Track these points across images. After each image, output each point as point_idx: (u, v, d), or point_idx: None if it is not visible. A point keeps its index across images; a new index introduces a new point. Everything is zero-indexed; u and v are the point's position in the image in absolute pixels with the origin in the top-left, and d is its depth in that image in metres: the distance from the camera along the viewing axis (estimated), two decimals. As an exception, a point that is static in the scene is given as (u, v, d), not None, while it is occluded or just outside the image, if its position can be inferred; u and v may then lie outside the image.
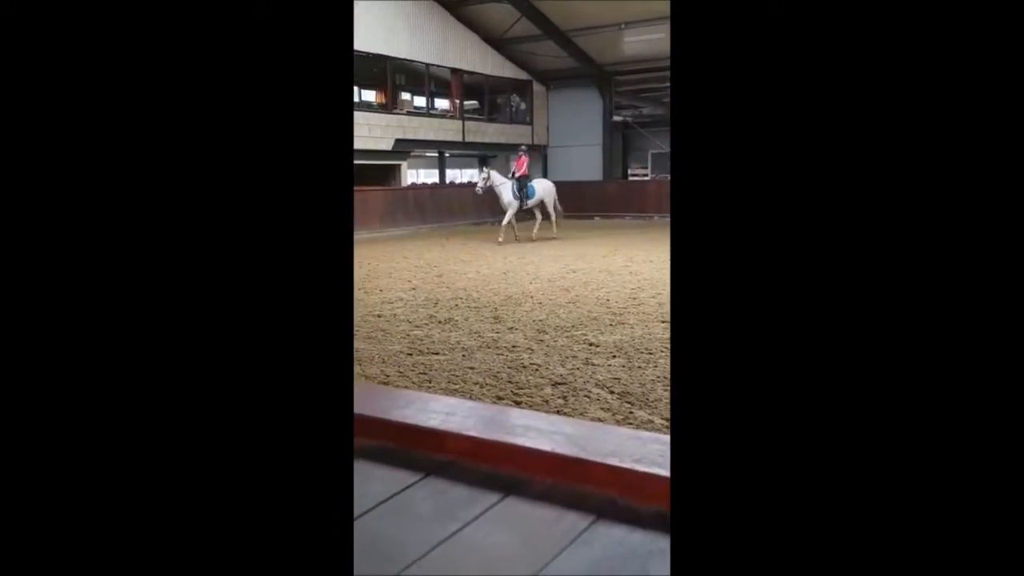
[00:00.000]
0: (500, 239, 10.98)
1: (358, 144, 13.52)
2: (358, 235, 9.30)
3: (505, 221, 11.21)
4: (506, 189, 11.36)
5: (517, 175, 11.57)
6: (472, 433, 0.88)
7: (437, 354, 4.29)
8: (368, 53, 14.13)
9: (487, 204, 15.29)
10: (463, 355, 4.24)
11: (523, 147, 12.43)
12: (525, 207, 11.47)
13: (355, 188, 13.33)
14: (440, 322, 5.20)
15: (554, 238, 11.34)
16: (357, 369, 4.04)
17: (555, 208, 11.82)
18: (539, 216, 11.74)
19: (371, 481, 0.82)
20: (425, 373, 3.90)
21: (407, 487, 0.80)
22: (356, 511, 0.75)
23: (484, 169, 11.45)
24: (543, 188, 11.75)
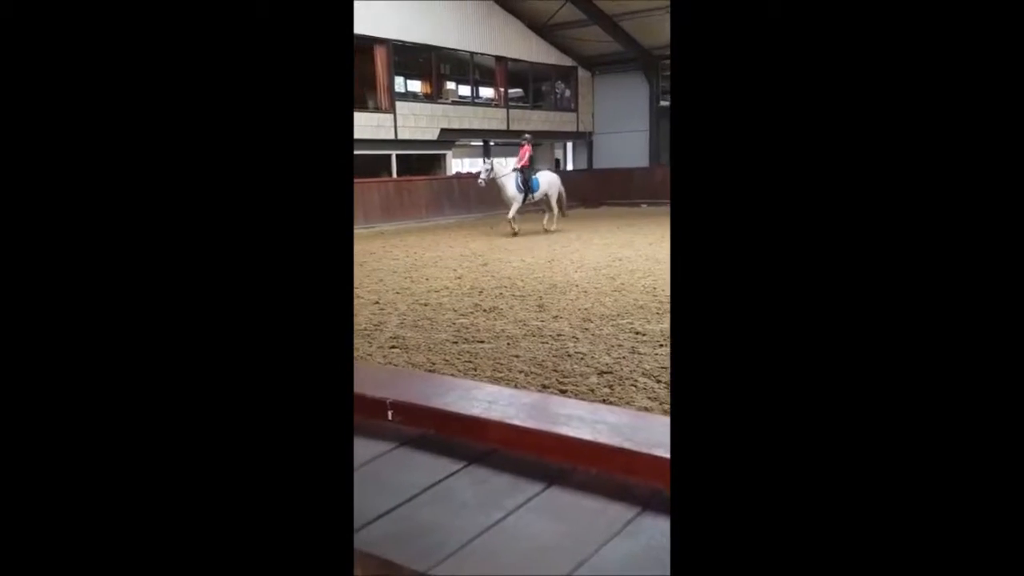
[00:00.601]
0: (514, 228, 10.41)
1: (405, 134, 13.64)
2: (405, 224, 9.39)
3: (511, 215, 10.50)
4: (510, 182, 10.50)
5: (520, 165, 10.68)
6: (515, 422, 0.87)
7: (482, 342, 4.30)
8: (414, 43, 14.20)
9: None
10: (508, 343, 4.24)
11: (527, 135, 11.38)
12: (531, 200, 10.65)
13: (403, 178, 13.47)
14: (485, 310, 5.21)
15: (558, 230, 10.73)
16: (404, 356, 4.08)
17: (560, 202, 11.07)
18: (549, 210, 11.01)
19: (414, 469, 0.82)
20: (471, 361, 3.92)
21: (449, 475, 0.80)
22: (399, 499, 0.75)
23: (487, 160, 10.73)
24: (548, 181, 10.93)
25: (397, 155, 13.94)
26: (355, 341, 4.51)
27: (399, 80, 13.97)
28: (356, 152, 13.14)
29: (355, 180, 12.65)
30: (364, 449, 0.89)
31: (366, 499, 0.75)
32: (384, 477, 0.81)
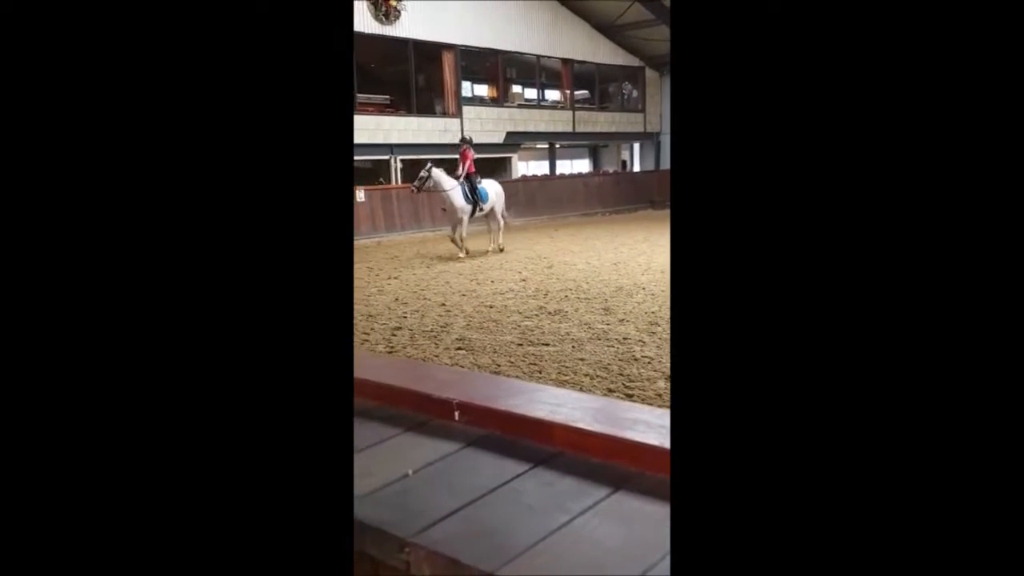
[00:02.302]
0: (461, 254, 8.81)
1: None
2: (471, 227, 9.45)
3: (464, 231, 9.01)
4: (456, 193, 9.00)
5: (464, 173, 9.22)
6: (580, 425, 0.87)
7: (547, 345, 4.30)
8: (481, 48, 14.33)
9: (596, 196, 15.14)
10: (573, 346, 4.22)
11: (467, 137, 9.77)
12: (480, 212, 9.22)
13: (468, 181, 13.58)
14: (550, 313, 5.21)
15: (501, 250, 9.19)
16: (469, 358, 4.12)
17: (503, 215, 9.71)
18: (501, 222, 9.61)
19: (480, 469, 0.83)
20: (535, 364, 3.92)
21: (515, 477, 0.80)
22: (465, 498, 0.76)
23: (428, 167, 9.03)
24: (496, 191, 9.55)
25: (463, 159, 14.06)
26: (422, 342, 4.58)
27: (466, 85, 14.12)
28: (423, 156, 13.36)
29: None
30: (431, 449, 0.90)
31: (434, 498, 0.77)
32: (451, 477, 0.82)
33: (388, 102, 13.50)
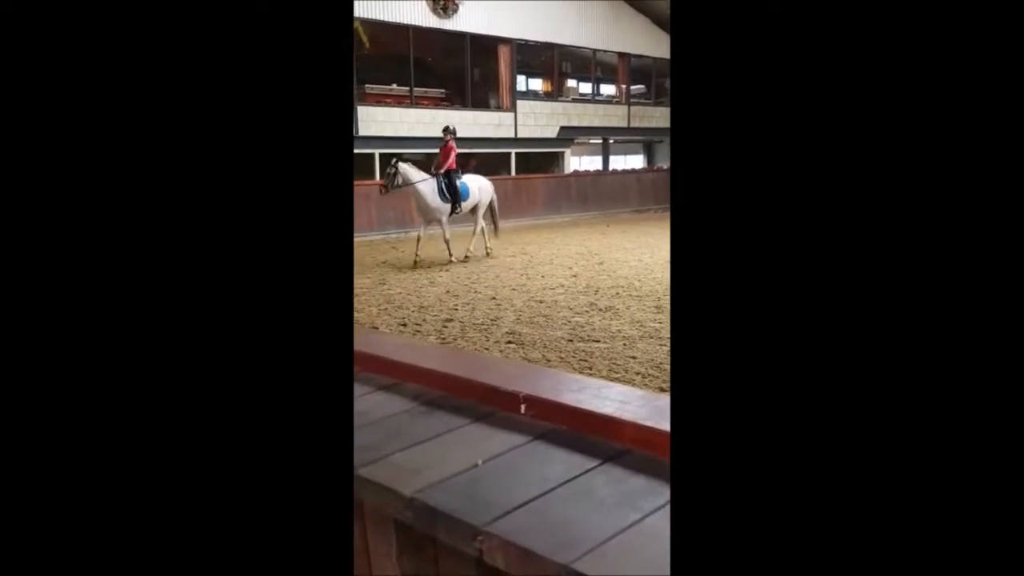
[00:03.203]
0: (455, 256, 7.88)
1: (524, 133, 13.77)
2: (522, 221, 9.45)
3: (447, 231, 7.97)
4: (427, 188, 7.92)
5: (443, 168, 8.13)
6: (649, 423, 0.86)
7: (598, 341, 4.28)
8: (537, 42, 14.29)
9: (651, 191, 14.95)
10: (624, 344, 4.20)
11: (451, 128, 8.54)
12: (458, 211, 8.20)
13: (521, 175, 13.61)
14: (601, 310, 5.18)
15: (489, 255, 8.31)
16: (519, 352, 4.13)
17: (494, 215, 8.67)
18: (478, 226, 8.52)
19: (549, 463, 0.84)
20: (586, 360, 3.91)
21: (585, 472, 0.81)
22: (536, 491, 0.76)
23: (393, 162, 7.95)
24: (479, 187, 8.44)
25: (516, 153, 14.10)
26: (473, 334, 4.62)
27: (520, 79, 14.12)
28: (477, 150, 13.41)
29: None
30: (499, 441, 0.91)
31: (505, 489, 0.78)
32: (521, 469, 0.83)
33: (443, 96, 13.60)
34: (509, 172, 14.04)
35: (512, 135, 13.98)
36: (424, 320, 5.21)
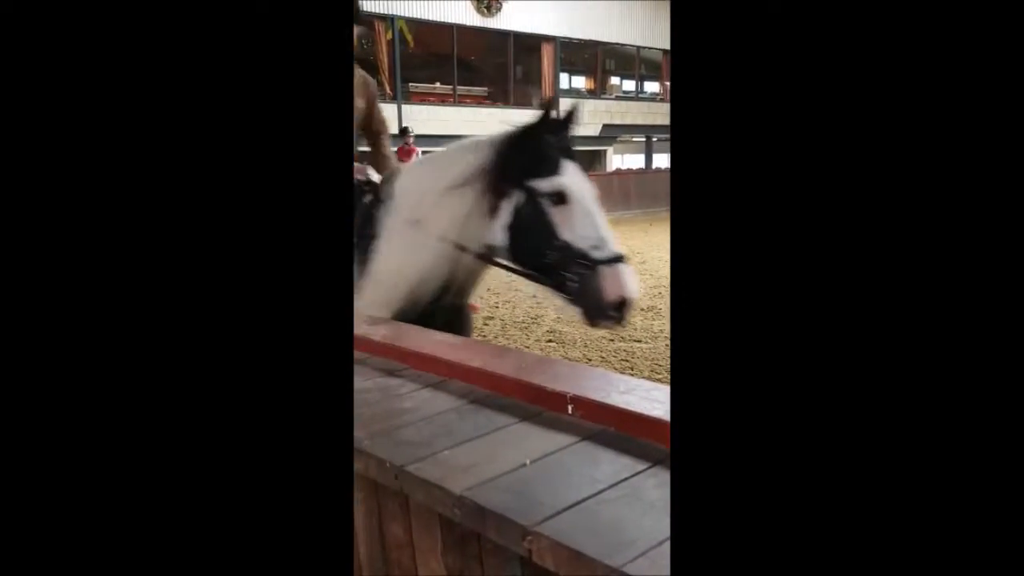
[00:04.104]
0: None
1: None
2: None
3: None
4: None
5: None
6: (700, 427, 0.85)
7: (639, 341, 4.24)
8: (580, 40, 14.22)
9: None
10: (667, 344, 4.15)
11: (410, 129, 7.83)
12: None
13: (561, 174, 13.56)
14: (642, 309, 5.13)
15: None
16: (560, 351, 4.12)
17: None
18: None
19: (598, 464, 0.83)
20: (627, 360, 3.88)
21: (635, 474, 0.80)
22: (586, 492, 0.76)
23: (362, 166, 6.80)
24: None
25: (558, 151, 14.04)
26: (513, 332, 4.62)
27: (563, 76, 14.06)
28: (519, 148, 13.37)
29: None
30: (547, 440, 0.91)
31: (554, 489, 0.78)
32: (569, 469, 0.83)
33: (486, 94, 13.63)
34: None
35: (554, 133, 13.94)
36: (465, 317, 5.23)
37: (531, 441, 0.91)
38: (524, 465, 0.84)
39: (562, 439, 0.91)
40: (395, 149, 7.18)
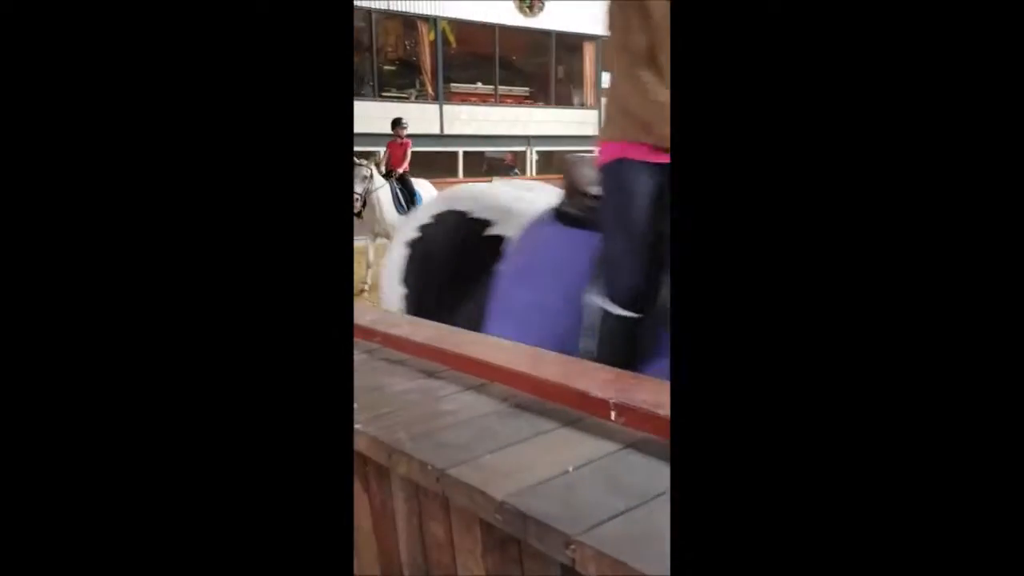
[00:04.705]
0: (366, 286, 5.85)
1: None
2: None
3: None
4: (386, 197, 6.23)
5: (397, 171, 6.56)
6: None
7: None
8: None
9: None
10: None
11: (403, 121, 6.97)
12: None
13: (555, 176, 13.49)
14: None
15: None
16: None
17: None
18: None
19: (643, 473, 0.82)
20: (667, 364, 3.83)
21: (680, 484, 0.78)
22: (632, 501, 0.75)
23: (362, 163, 6.15)
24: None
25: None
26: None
27: (605, 76, 13.97)
28: (559, 148, 13.36)
29: (556, 176, 12.87)
30: (590, 447, 0.90)
31: (597, 497, 0.77)
32: (613, 477, 0.82)
33: (527, 94, 13.64)
34: (387, 176, 13.87)
35: (595, 132, 13.86)
36: (504, 318, 5.22)
37: (574, 447, 0.90)
38: (567, 472, 0.83)
39: (606, 446, 0.90)
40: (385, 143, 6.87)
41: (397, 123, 6.92)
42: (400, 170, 6.56)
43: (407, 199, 6.34)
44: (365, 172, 6.11)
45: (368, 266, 6.04)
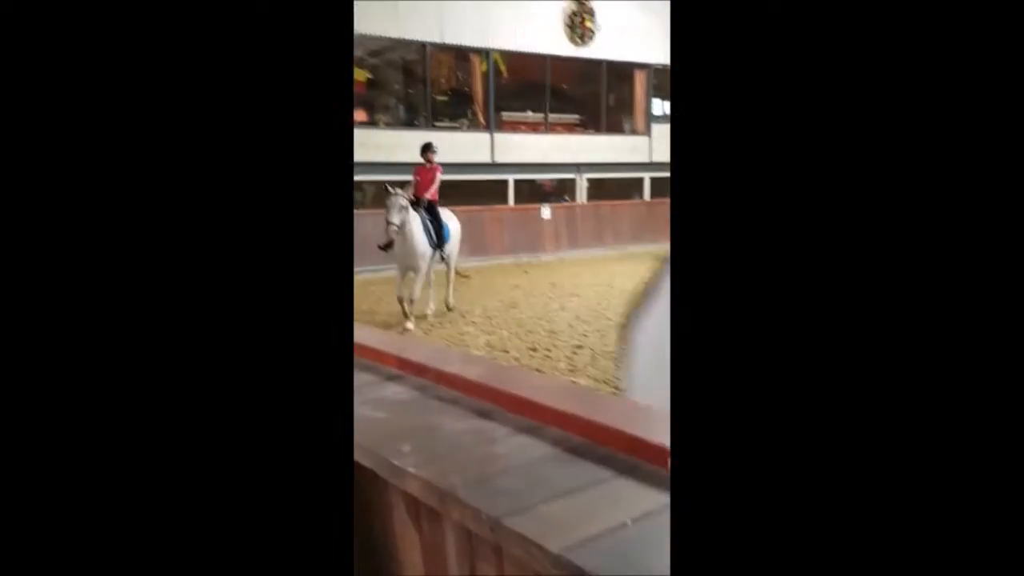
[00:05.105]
0: (410, 324, 5.88)
1: (659, 157, 13.53)
2: (654, 246, 9.27)
3: (419, 286, 6.07)
4: (418, 228, 5.98)
5: (424, 198, 6.23)
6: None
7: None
8: (661, 66, 14.06)
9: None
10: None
11: (433, 146, 6.55)
12: (441, 259, 6.35)
13: (655, 200, 13.38)
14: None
15: (450, 309, 6.57)
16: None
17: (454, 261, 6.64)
18: (452, 272, 6.61)
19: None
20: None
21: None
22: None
23: (394, 193, 5.89)
24: (456, 228, 6.54)
25: (651, 178, 13.89)
26: (604, 363, 4.56)
27: (656, 103, 13.95)
28: (610, 176, 13.34)
29: (607, 202, 12.81)
30: (647, 498, 0.88)
31: (656, 554, 0.74)
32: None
33: (577, 121, 13.71)
34: (642, 196, 13.84)
35: (647, 159, 13.79)
36: (554, 346, 5.21)
37: (631, 498, 0.88)
38: (625, 525, 0.81)
39: (663, 498, 0.87)
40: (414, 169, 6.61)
41: (427, 148, 6.47)
42: (427, 197, 6.23)
43: (436, 230, 6.13)
44: (403, 202, 5.88)
45: (411, 301, 5.96)
